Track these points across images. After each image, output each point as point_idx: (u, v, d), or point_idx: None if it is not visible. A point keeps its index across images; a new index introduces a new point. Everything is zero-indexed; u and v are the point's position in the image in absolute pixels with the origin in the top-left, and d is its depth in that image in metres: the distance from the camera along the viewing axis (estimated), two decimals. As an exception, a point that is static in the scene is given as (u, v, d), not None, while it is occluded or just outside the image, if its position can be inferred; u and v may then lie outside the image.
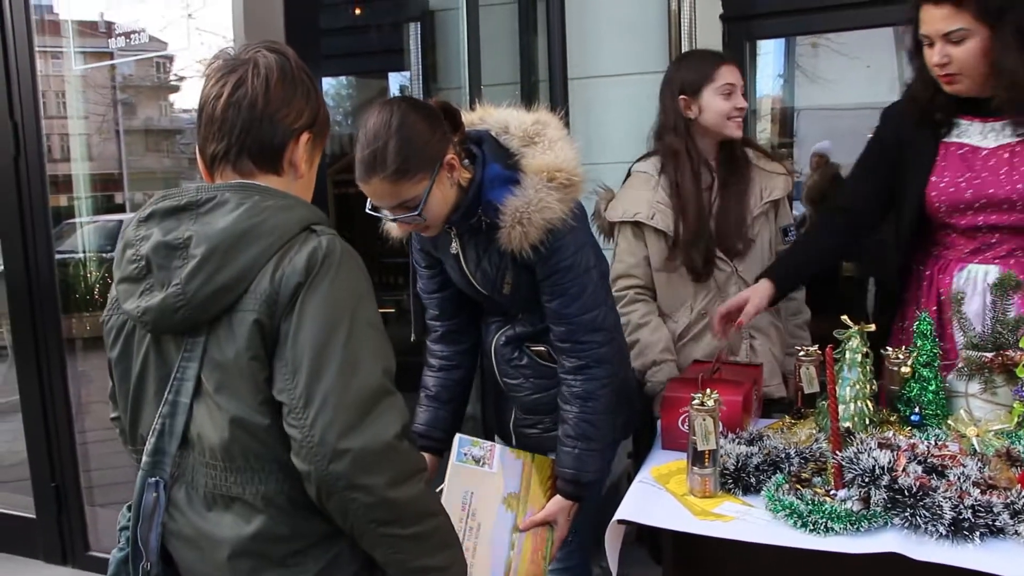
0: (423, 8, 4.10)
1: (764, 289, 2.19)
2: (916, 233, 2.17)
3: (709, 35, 3.66)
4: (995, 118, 2.04)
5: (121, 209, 4.40)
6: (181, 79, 4.27)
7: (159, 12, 3.52)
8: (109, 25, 3.61)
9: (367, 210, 1.92)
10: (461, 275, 2.04)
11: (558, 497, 1.98)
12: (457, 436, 1.99)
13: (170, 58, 4.13)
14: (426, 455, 1.99)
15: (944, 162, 2.09)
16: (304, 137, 1.42)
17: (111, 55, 3.65)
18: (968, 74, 1.98)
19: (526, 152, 1.92)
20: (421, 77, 4.11)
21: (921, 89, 2.08)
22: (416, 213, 1.82)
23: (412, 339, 2.30)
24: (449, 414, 2.19)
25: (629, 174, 2.60)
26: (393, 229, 2.02)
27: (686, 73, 2.47)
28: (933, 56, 1.98)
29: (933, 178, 2.09)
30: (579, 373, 1.95)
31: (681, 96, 2.43)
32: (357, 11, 4.66)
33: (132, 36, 3.49)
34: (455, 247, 1.99)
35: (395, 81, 4.76)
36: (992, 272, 2.05)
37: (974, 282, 2.09)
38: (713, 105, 2.41)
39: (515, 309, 2.08)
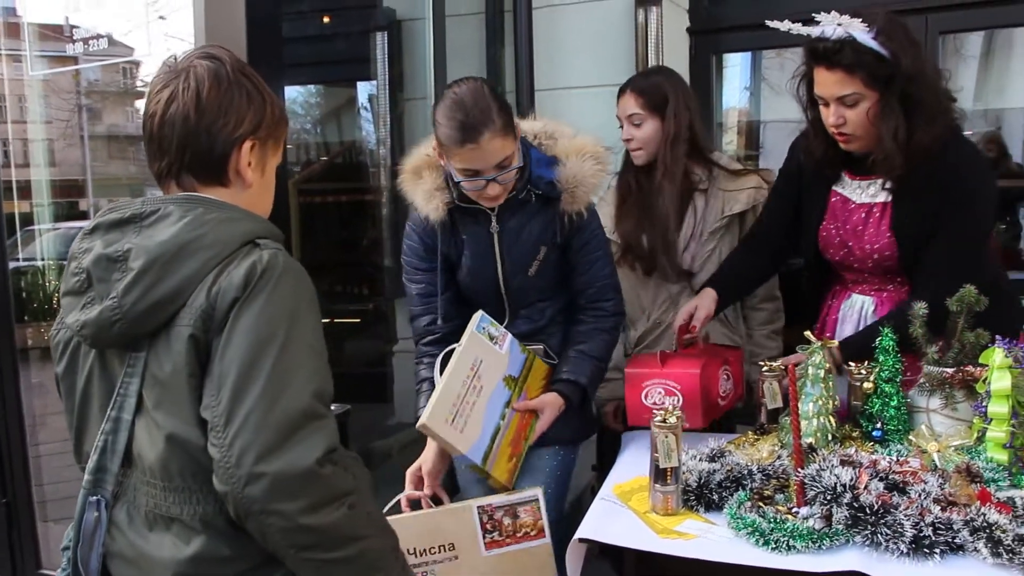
0: (391, 18, 4.09)
1: (710, 297, 2.29)
2: (818, 260, 2.31)
3: (676, 48, 3.68)
4: (866, 176, 2.16)
5: (85, 216, 4.33)
6: (147, 84, 4.22)
7: (125, 16, 3.47)
8: (73, 29, 3.55)
9: (457, 180, 2.04)
10: (487, 259, 2.16)
11: (552, 393, 2.16)
12: (480, 312, 2.10)
13: (136, 63, 4.07)
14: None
15: (831, 210, 2.23)
16: (247, 145, 1.38)
17: (75, 60, 3.58)
18: (861, 135, 2.06)
19: (550, 145, 2.19)
20: (388, 86, 4.10)
21: (817, 144, 2.19)
22: (519, 165, 2.03)
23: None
24: None
25: (608, 188, 2.72)
26: (432, 212, 2.10)
27: None
28: (829, 117, 2.06)
29: (824, 223, 2.24)
30: (608, 319, 2.24)
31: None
32: (325, 19, 4.64)
33: (96, 41, 3.43)
34: (495, 226, 2.13)
35: (362, 90, 4.74)
36: (867, 303, 2.23)
37: (853, 310, 2.25)
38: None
39: (525, 299, 2.22)
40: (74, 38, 3.38)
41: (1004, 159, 5.40)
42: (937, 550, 1.47)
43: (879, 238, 2.14)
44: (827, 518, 1.57)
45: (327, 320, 5.00)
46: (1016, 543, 1.43)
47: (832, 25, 1.96)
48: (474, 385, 2.02)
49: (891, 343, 1.94)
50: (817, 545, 1.54)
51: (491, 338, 2.09)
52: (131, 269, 1.28)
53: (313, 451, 1.21)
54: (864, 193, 2.18)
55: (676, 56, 3.67)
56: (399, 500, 2.07)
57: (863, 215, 2.18)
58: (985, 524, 1.47)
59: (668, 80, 2.63)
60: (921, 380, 1.94)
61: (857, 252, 2.18)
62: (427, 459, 2.10)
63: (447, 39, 3.70)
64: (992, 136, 5.59)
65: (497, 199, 2.07)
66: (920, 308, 1.91)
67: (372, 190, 4.50)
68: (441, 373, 2.02)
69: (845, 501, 1.55)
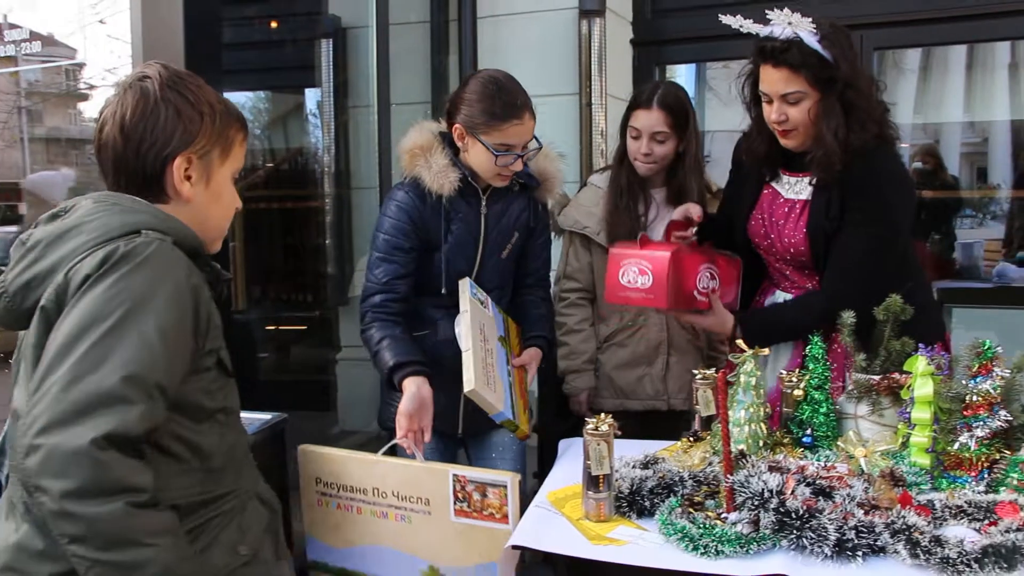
0: (336, 25, 4.08)
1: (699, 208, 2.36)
2: (750, 259, 2.41)
3: (619, 59, 3.73)
4: (799, 173, 2.25)
5: (22, 220, 4.24)
6: (91, 87, 4.15)
7: (66, 18, 3.41)
8: (10, 29, 3.48)
9: (495, 154, 2.17)
10: (473, 238, 2.31)
11: (535, 348, 2.38)
12: (467, 279, 2.26)
13: (80, 66, 4.00)
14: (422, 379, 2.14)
15: (762, 203, 2.32)
16: (178, 161, 1.41)
17: (15, 60, 3.51)
18: (801, 131, 2.16)
19: None
20: (333, 94, 4.09)
21: (759, 141, 2.28)
22: (538, 147, 2.27)
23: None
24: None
25: (585, 184, 2.84)
26: (446, 185, 2.22)
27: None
28: (772, 113, 2.15)
29: (753, 213, 2.33)
30: (548, 293, 2.55)
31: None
32: (271, 25, 4.61)
33: (29, 43, 3.36)
34: (484, 208, 2.31)
35: (307, 97, 4.71)
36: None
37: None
38: (629, 143, 2.65)
39: (490, 282, 2.37)
40: (5, 40, 3.31)
41: (940, 171, 5.55)
42: (859, 552, 1.50)
43: (795, 233, 2.23)
44: (755, 523, 1.59)
45: (272, 327, 4.96)
46: (932, 544, 1.46)
47: (782, 25, 2.06)
48: (487, 349, 2.17)
49: (820, 351, 1.98)
50: (745, 550, 1.56)
51: (481, 302, 2.25)
52: (28, 251, 1.35)
53: (95, 430, 1.16)
54: (792, 189, 2.27)
55: (620, 67, 3.72)
56: (392, 445, 2.13)
57: (786, 210, 2.27)
58: (904, 526, 1.51)
59: (687, 97, 2.67)
60: (849, 387, 1.99)
61: (778, 246, 2.27)
62: (404, 403, 2.12)
63: (392, 47, 3.70)
64: (928, 149, 5.75)
65: (510, 178, 2.27)
66: (848, 317, 1.96)
67: (317, 197, 4.47)
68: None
69: (772, 506, 1.58)
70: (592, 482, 1.75)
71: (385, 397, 2.45)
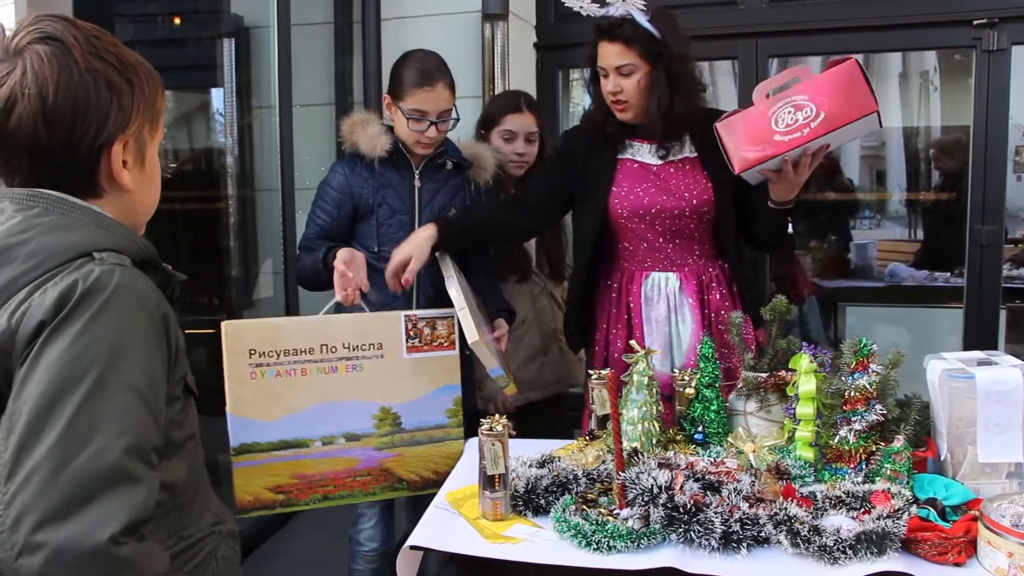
0: (238, 24, 4.00)
1: (425, 239, 2.35)
2: (598, 246, 2.45)
3: (523, 63, 3.76)
4: (657, 141, 2.39)
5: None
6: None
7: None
8: None
9: (407, 118, 2.41)
10: (408, 209, 2.50)
11: (501, 319, 2.52)
12: (445, 254, 2.37)
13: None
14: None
15: (621, 175, 2.41)
16: (117, 147, 1.17)
17: None
18: (634, 103, 2.33)
19: None
20: (235, 94, 4.01)
21: (597, 113, 2.44)
22: (456, 119, 2.49)
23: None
24: None
25: None
26: (378, 147, 2.44)
27: (487, 110, 2.96)
28: (608, 85, 2.32)
29: (614, 188, 2.40)
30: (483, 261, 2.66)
31: (481, 130, 2.88)
32: (172, 22, 4.50)
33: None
34: (418, 181, 2.52)
35: (209, 97, 4.61)
36: (671, 279, 2.39)
37: (658, 288, 2.40)
38: (501, 147, 2.83)
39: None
40: None
41: (837, 175, 5.76)
42: (744, 544, 1.56)
43: (696, 185, 2.36)
44: (645, 518, 1.63)
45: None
46: (812, 533, 1.53)
47: (616, 5, 2.26)
48: (473, 309, 2.23)
49: (710, 351, 2.04)
50: (636, 544, 1.60)
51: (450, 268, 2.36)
52: None
53: (110, 523, 0.99)
54: (654, 154, 2.40)
55: (523, 71, 3.75)
56: (333, 303, 2.30)
57: (671, 170, 2.39)
58: (786, 517, 1.57)
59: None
60: (739, 385, 2.06)
61: (671, 206, 2.34)
62: (337, 262, 2.27)
63: (296, 48, 3.65)
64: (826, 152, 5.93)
65: (431, 145, 2.47)
66: (736, 317, 2.03)
67: (220, 199, 4.38)
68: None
69: (661, 502, 1.63)
70: (488, 482, 1.77)
71: None
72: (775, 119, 2.10)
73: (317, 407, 2.12)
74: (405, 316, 2.20)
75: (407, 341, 2.20)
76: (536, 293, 2.89)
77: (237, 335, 2.07)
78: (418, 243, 2.34)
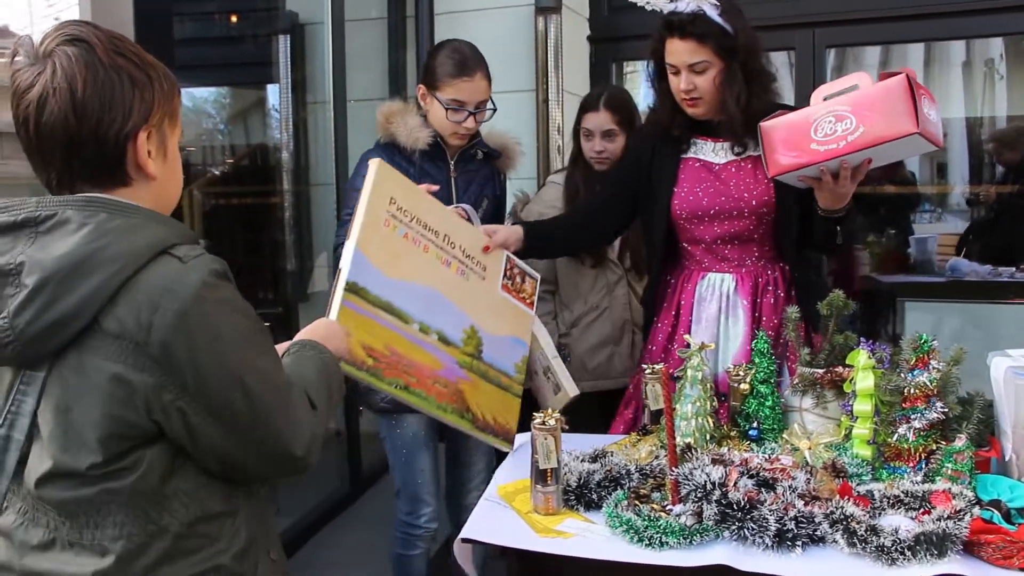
0: (293, 21, 4.05)
1: (516, 234, 2.37)
2: (665, 246, 2.43)
3: (576, 56, 3.75)
4: (723, 138, 2.34)
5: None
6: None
7: (20, 9, 3.35)
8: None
9: (446, 108, 2.40)
10: (444, 202, 2.31)
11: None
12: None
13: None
14: None
15: (684, 175, 2.37)
16: (142, 137, 1.24)
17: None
18: (707, 99, 2.27)
19: None
20: (291, 90, 4.06)
21: (664, 112, 2.37)
22: (493, 109, 2.47)
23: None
24: None
25: (545, 183, 3.01)
26: (420, 140, 2.42)
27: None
28: (681, 83, 2.26)
29: (675, 189, 2.36)
30: None
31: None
32: (230, 20, 4.57)
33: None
34: (453, 171, 2.52)
35: (266, 94, 4.68)
36: (727, 280, 2.35)
37: (713, 288, 2.36)
38: (583, 144, 2.83)
39: None
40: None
41: (898, 167, 5.62)
42: (799, 542, 1.54)
43: (757, 186, 2.29)
44: (698, 515, 1.62)
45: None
46: (869, 533, 1.50)
47: (687, 0, 2.20)
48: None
49: (766, 346, 2.01)
50: (688, 541, 1.58)
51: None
52: (24, 286, 1.16)
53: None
54: (726, 154, 2.34)
55: (577, 63, 3.74)
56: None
57: (733, 169, 2.33)
58: (843, 516, 1.54)
59: (631, 98, 2.91)
60: (795, 381, 2.02)
61: (731, 205, 2.29)
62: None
63: (350, 43, 3.69)
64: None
65: (467, 136, 2.47)
66: (792, 312, 2.00)
67: (276, 193, 4.45)
68: None
69: (714, 498, 1.61)
70: (540, 476, 1.76)
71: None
72: (816, 127, 2.03)
73: (427, 289, 2.04)
74: (507, 255, 2.28)
75: (504, 278, 2.27)
76: (612, 281, 2.90)
77: (386, 176, 2.02)
78: (515, 230, 2.38)
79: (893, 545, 1.47)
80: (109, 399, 1.17)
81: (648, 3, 2.27)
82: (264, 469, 1.31)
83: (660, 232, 2.40)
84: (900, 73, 1.97)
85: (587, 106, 2.85)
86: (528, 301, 2.32)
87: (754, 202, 2.28)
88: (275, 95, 4.29)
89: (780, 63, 4.33)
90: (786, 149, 2.07)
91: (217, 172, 4.99)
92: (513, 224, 2.66)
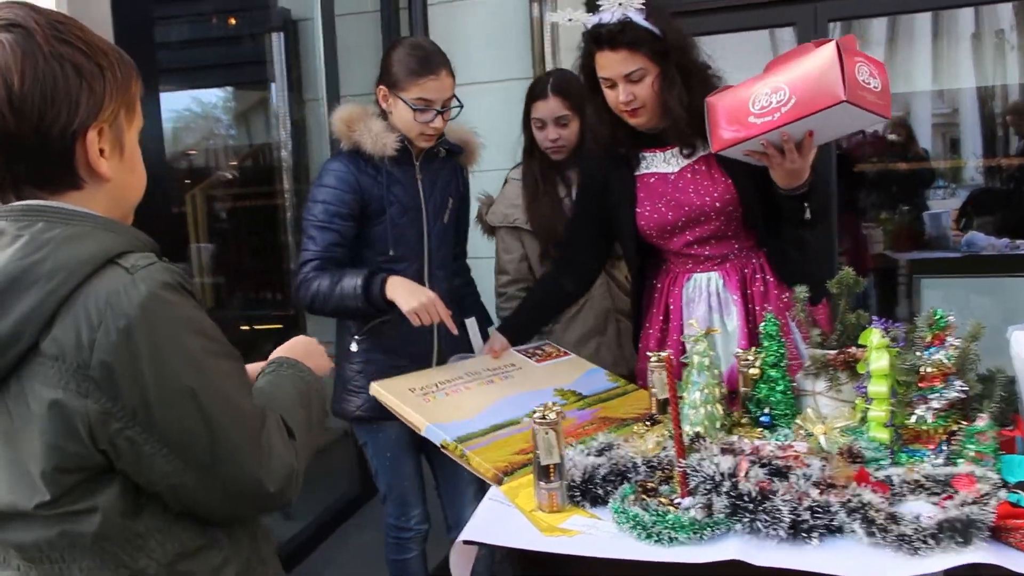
0: (286, 18, 3.99)
1: (502, 339, 2.41)
2: (642, 256, 2.38)
3: (573, 43, 3.66)
4: (670, 145, 2.26)
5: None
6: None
7: None
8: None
9: (413, 109, 2.28)
10: (414, 204, 2.40)
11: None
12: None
13: None
14: None
15: (642, 194, 2.29)
16: (91, 134, 1.12)
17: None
18: (649, 107, 2.18)
19: None
20: (287, 88, 4.01)
21: (603, 129, 2.28)
22: (458, 106, 2.36)
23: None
24: None
25: (506, 181, 2.89)
26: (388, 147, 2.30)
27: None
28: (620, 95, 2.16)
29: (638, 210, 2.29)
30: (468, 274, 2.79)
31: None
32: (225, 21, 4.53)
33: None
34: (419, 173, 2.42)
35: (261, 93, 4.63)
36: (714, 278, 2.29)
37: (700, 289, 2.30)
38: (536, 134, 2.73)
39: (440, 249, 2.49)
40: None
41: (911, 143, 5.54)
42: (815, 533, 1.46)
43: (716, 186, 2.22)
44: (708, 508, 1.54)
45: (246, 327, 4.89)
46: (888, 521, 1.42)
47: (611, 10, 2.09)
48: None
49: (775, 328, 1.94)
50: (699, 536, 1.51)
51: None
52: None
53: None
54: (678, 161, 2.26)
55: (574, 51, 3.65)
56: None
57: (688, 175, 2.26)
58: (860, 504, 1.47)
59: (576, 79, 2.69)
60: (807, 363, 1.95)
61: (695, 212, 2.23)
62: (407, 301, 2.21)
63: (344, 38, 3.63)
64: (899, 121, 5.73)
65: (433, 137, 2.36)
66: (801, 291, 1.92)
67: (277, 194, 4.40)
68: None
69: (724, 490, 1.54)
70: (543, 472, 1.70)
71: (340, 392, 2.46)
72: (754, 99, 1.97)
73: (501, 401, 2.13)
74: (514, 351, 2.39)
75: (531, 359, 2.37)
76: None
77: (388, 387, 2.12)
78: (499, 338, 2.40)
79: (915, 534, 1.39)
80: (51, 429, 1.06)
81: (570, 19, 2.18)
82: (234, 508, 1.18)
83: (632, 249, 2.37)
84: (827, 41, 1.92)
85: (535, 94, 2.75)
86: (561, 353, 2.46)
87: (717, 204, 2.22)
88: (272, 94, 4.24)
89: (787, 42, 4.22)
90: (727, 123, 2.02)
91: (219, 174, 4.96)
92: (481, 227, 2.91)
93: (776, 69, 1.98)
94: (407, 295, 2.19)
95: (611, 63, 2.13)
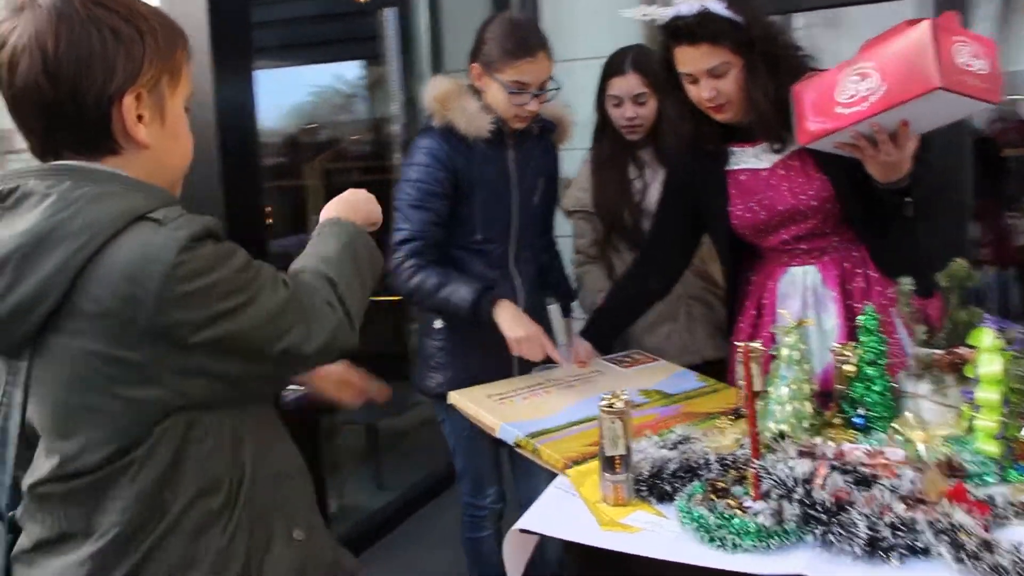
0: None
1: (587, 347, 2.33)
2: (736, 253, 2.25)
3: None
4: (759, 140, 2.10)
5: None
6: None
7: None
8: None
9: (508, 92, 2.22)
10: (504, 185, 2.34)
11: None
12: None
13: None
14: None
15: (734, 191, 2.15)
16: (128, 99, 1.11)
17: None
18: (734, 102, 2.03)
19: None
20: (398, 64, 4.01)
21: (686, 126, 2.14)
22: (557, 88, 2.31)
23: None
24: None
25: (583, 165, 2.80)
26: (483, 128, 2.25)
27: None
28: (702, 91, 2.02)
29: (729, 208, 2.16)
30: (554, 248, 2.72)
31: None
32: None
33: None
34: (512, 152, 2.35)
35: (376, 68, 4.65)
36: (811, 272, 2.14)
37: (795, 284, 2.15)
38: (611, 112, 2.63)
39: (528, 232, 2.43)
40: None
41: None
42: (895, 553, 1.31)
43: (811, 184, 2.06)
44: (778, 514, 1.41)
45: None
46: (981, 548, 1.25)
47: (688, 1, 1.94)
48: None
49: (874, 323, 1.77)
50: (765, 544, 1.39)
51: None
52: None
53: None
54: (769, 156, 2.11)
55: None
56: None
57: (781, 172, 2.09)
58: (949, 526, 1.31)
59: (656, 54, 2.56)
60: (910, 363, 1.77)
61: (790, 211, 2.08)
62: (513, 331, 2.20)
63: (451, 13, 3.58)
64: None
65: (528, 119, 2.29)
66: (906, 283, 1.75)
67: (387, 170, 4.43)
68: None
69: (797, 497, 1.40)
70: (607, 463, 1.60)
71: (422, 367, 2.47)
72: (840, 87, 1.78)
73: (582, 402, 2.06)
74: (601, 361, 2.33)
75: (617, 366, 2.32)
76: None
77: (468, 397, 2.10)
78: (586, 346, 2.33)
79: (1013, 566, 1.22)
80: (103, 381, 1.07)
81: (645, 15, 2.01)
82: (277, 374, 1.31)
83: (726, 247, 2.25)
84: (920, 22, 1.69)
85: (612, 70, 2.61)
86: (650, 359, 2.39)
87: (814, 203, 2.05)
88: (385, 70, 4.25)
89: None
90: (814, 114, 1.83)
91: (339, 149, 5.04)
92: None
93: (868, 52, 1.78)
94: (513, 323, 2.17)
95: (691, 58, 1.99)
